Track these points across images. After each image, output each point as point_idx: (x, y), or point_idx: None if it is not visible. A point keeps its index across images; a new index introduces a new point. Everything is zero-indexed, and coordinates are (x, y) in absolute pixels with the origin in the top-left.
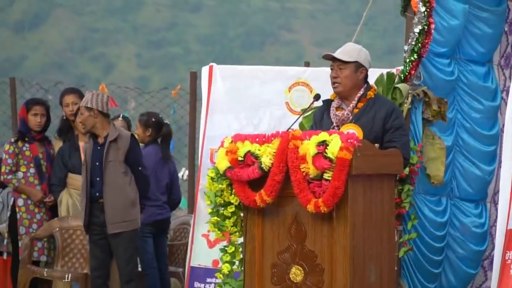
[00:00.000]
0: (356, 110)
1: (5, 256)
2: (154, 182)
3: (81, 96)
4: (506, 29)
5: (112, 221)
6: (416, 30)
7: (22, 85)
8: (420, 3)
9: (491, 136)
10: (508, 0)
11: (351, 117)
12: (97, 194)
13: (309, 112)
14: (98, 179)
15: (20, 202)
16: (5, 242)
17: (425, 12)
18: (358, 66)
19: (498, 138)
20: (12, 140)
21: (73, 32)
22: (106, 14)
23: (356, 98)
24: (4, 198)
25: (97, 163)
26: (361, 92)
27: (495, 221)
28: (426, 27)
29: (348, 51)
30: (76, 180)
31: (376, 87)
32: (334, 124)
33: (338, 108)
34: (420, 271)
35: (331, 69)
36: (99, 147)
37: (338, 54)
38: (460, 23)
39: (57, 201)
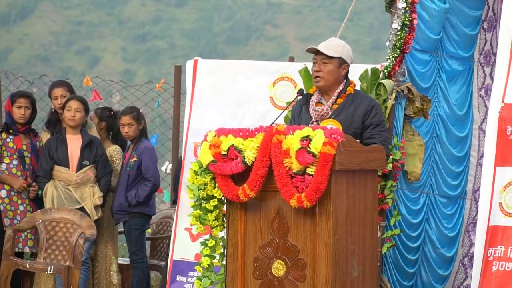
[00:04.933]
0: (335, 106)
1: None
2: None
3: (69, 89)
4: (485, 26)
5: None
6: (395, 26)
7: (7, 78)
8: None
9: (461, 138)
10: None
11: (330, 113)
12: None
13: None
14: None
15: (3, 193)
16: None
17: (407, 8)
18: (342, 62)
19: (467, 140)
20: None
21: (58, 25)
22: (91, 7)
23: (335, 94)
24: None
25: None
26: (341, 88)
27: (474, 218)
28: (408, 23)
29: (333, 46)
30: (62, 173)
31: (355, 83)
32: (313, 119)
33: (317, 103)
34: (397, 268)
35: (314, 62)
36: None
37: (322, 48)
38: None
39: (42, 193)
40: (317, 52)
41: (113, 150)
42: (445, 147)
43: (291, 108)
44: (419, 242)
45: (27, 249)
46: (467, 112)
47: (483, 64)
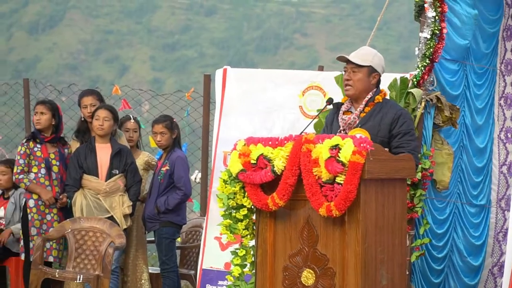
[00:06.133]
0: (363, 114)
1: (22, 257)
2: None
3: (99, 97)
4: (504, 35)
5: None
6: (424, 35)
7: (35, 87)
8: (430, 9)
9: (480, 149)
10: (505, 7)
11: (357, 121)
12: None
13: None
14: None
15: (31, 203)
16: (21, 243)
17: (436, 17)
18: (372, 71)
19: (486, 151)
20: (24, 141)
21: (87, 34)
22: (120, 16)
23: (364, 102)
24: (16, 199)
25: None
26: (369, 96)
27: (502, 227)
28: (438, 32)
29: (363, 55)
30: (91, 182)
31: (386, 91)
32: (341, 128)
33: (346, 111)
34: (423, 278)
35: (344, 71)
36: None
37: (352, 57)
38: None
39: (71, 202)
40: (348, 61)
41: (144, 157)
42: (469, 156)
43: (324, 117)
44: (445, 252)
45: (51, 259)
46: (487, 121)
47: (504, 73)
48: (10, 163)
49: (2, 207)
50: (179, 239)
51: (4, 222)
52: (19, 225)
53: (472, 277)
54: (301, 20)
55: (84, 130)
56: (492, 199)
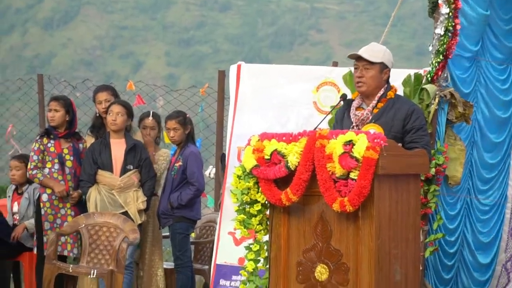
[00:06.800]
0: (376, 110)
1: (35, 251)
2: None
3: (114, 93)
4: None
5: None
6: (438, 31)
7: (50, 82)
8: (444, 5)
9: (496, 144)
10: None
11: (370, 117)
12: None
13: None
14: None
15: (44, 197)
16: (35, 238)
17: (450, 13)
18: (383, 67)
19: (503, 146)
20: (38, 137)
21: (102, 30)
22: (135, 12)
23: (376, 98)
24: (30, 194)
25: None
26: (381, 92)
27: None
28: (451, 28)
29: (374, 52)
30: (105, 177)
31: (396, 87)
32: (354, 124)
33: (358, 108)
34: (435, 273)
35: (355, 68)
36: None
37: (364, 54)
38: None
39: (84, 197)
40: (359, 58)
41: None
42: (479, 152)
43: (335, 113)
44: (457, 247)
45: (65, 253)
46: (510, 116)
47: None
48: (24, 159)
49: (16, 202)
50: (193, 234)
51: (18, 217)
52: (32, 220)
53: (482, 272)
54: (315, 16)
55: (99, 126)
56: (509, 195)
